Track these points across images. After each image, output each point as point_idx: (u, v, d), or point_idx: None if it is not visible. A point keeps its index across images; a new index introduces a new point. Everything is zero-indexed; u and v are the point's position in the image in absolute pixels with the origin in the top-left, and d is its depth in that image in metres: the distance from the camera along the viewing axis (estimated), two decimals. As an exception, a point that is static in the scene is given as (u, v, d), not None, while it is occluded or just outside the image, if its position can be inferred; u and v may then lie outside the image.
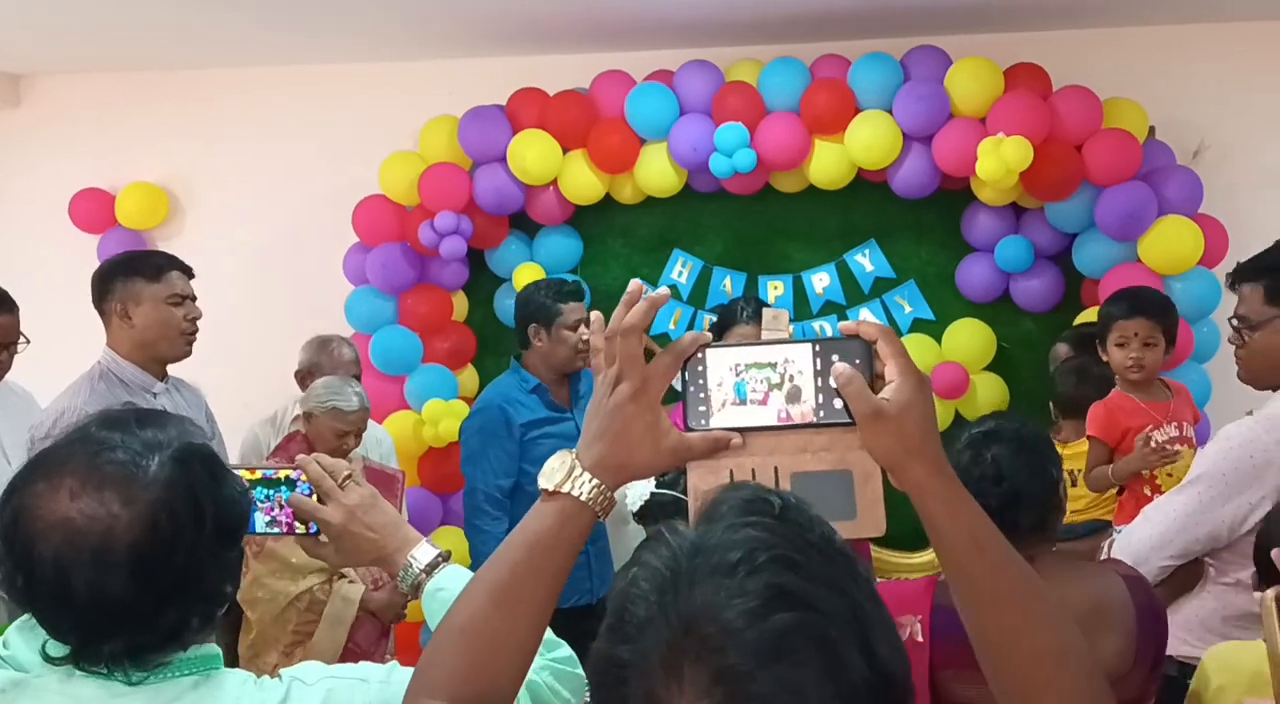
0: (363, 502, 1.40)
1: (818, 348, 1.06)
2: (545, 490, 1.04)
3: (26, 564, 1.15)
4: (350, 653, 3.34)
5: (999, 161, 3.75)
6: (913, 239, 4.39)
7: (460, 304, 4.62)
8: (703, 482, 1.06)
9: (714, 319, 4.51)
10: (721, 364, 1.07)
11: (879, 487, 1.05)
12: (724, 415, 1.06)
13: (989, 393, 4.22)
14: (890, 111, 4.01)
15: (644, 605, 0.76)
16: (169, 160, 5.00)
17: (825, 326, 4.44)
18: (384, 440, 3.93)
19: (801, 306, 4.43)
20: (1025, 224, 4.16)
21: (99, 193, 4.95)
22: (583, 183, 4.32)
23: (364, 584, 3.37)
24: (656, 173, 4.27)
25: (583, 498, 1.03)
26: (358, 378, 3.79)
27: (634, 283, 1.07)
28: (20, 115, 5.11)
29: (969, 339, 4.19)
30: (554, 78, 4.41)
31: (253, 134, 4.91)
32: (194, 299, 2.94)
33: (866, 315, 4.42)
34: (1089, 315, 4.00)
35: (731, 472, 1.06)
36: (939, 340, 4.27)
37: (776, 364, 1.06)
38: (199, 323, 2.96)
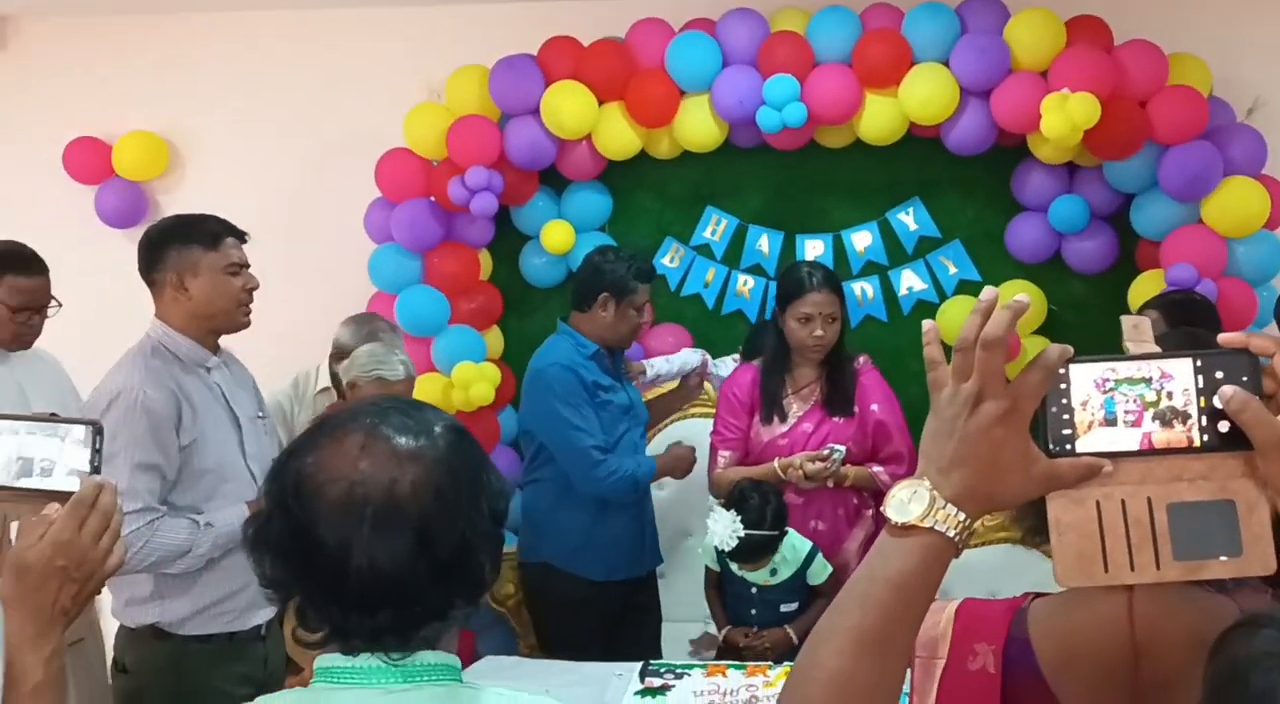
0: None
1: (1199, 363, 0.93)
2: (898, 524, 0.91)
3: (307, 527, 1.11)
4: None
5: (1065, 118, 3.61)
6: (959, 197, 4.26)
7: (485, 262, 4.44)
8: (1066, 513, 0.93)
9: (749, 283, 4.38)
10: (1086, 379, 0.94)
11: (1266, 518, 0.93)
12: (1091, 439, 0.93)
13: (1038, 357, 4.12)
14: (947, 64, 3.85)
15: None
16: (169, 108, 4.73)
17: (867, 288, 4.32)
18: (423, 406, 3.76)
19: (841, 266, 4.28)
20: (1080, 183, 4.03)
21: (95, 142, 4.69)
22: (618, 137, 4.13)
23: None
24: (697, 126, 4.09)
25: (949, 534, 0.89)
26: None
27: (988, 290, 0.94)
28: (7, 59, 4.81)
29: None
30: (587, 26, 4.20)
31: (260, 83, 4.65)
32: (249, 267, 2.75)
33: (909, 276, 4.30)
34: (1146, 279, 3.91)
35: (1098, 503, 0.93)
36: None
37: (1151, 380, 0.93)
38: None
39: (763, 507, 3.14)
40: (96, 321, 4.53)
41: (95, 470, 1.22)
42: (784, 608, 3.21)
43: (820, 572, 3.22)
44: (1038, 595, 1.50)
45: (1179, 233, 3.81)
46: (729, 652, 3.24)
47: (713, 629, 3.48)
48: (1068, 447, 0.93)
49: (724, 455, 3.43)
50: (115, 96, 4.74)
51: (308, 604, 1.17)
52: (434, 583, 1.14)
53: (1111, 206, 4.02)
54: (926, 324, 0.96)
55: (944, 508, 0.90)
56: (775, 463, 3.30)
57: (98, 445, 1.23)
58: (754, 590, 3.23)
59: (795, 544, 3.23)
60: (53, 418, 1.27)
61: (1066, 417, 0.93)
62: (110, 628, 2.98)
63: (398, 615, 1.14)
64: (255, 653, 2.79)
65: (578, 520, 3.41)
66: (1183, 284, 3.67)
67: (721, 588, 3.34)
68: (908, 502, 0.91)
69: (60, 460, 1.23)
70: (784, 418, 3.37)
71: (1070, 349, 0.93)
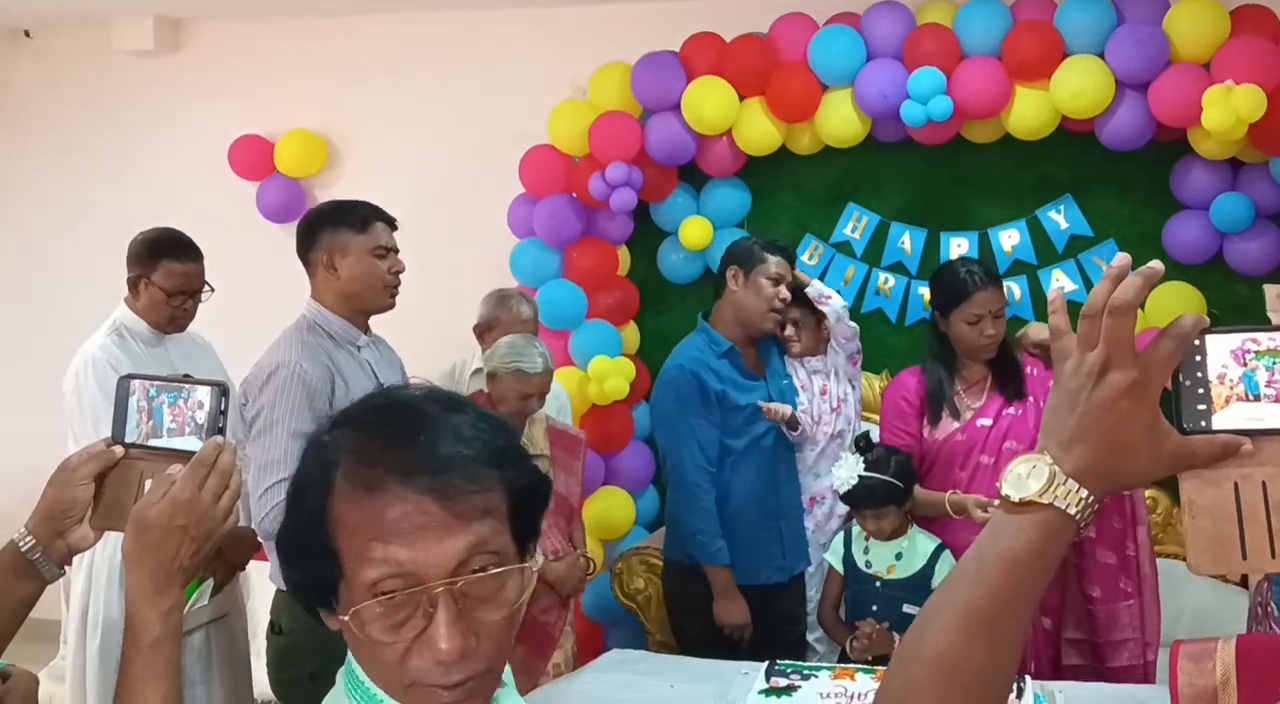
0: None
1: None
2: (1014, 501, 0.86)
3: None
4: (528, 625, 3.23)
5: (1229, 111, 3.43)
6: (1114, 195, 4.09)
7: (623, 258, 4.47)
8: (1200, 495, 0.88)
9: (890, 281, 4.29)
10: (1223, 351, 0.88)
11: None
12: (1229, 414, 0.88)
13: (1197, 363, 3.92)
14: (1102, 56, 3.71)
15: None
16: (328, 108, 4.93)
17: (1014, 288, 4.18)
18: (560, 395, 3.81)
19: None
20: (1243, 180, 3.83)
21: (258, 140, 4.90)
22: (758, 132, 4.11)
23: (543, 554, 3.25)
24: (839, 121, 4.03)
25: (1070, 511, 0.84)
26: (534, 335, 3.67)
27: (1121, 256, 0.89)
28: (180, 60, 5.08)
29: (1176, 304, 3.88)
30: (730, 22, 4.19)
31: (412, 82, 4.80)
32: (397, 251, 2.84)
33: (1059, 276, 4.15)
34: (1317, 280, 3.70)
35: (1236, 484, 0.87)
36: (1142, 305, 3.97)
37: None
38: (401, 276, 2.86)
39: (888, 456, 3.16)
40: (254, 312, 4.74)
41: (219, 431, 1.25)
42: (906, 608, 3.13)
43: (946, 571, 3.14)
44: None
45: (1353, 233, 3.58)
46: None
47: None
48: (1202, 423, 0.88)
49: None
50: (278, 96, 4.95)
51: None
52: None
53: (1278, 205, 3.80)
54: (1053, 292, 0.92)
55: (1065, 483, 0.84)
56: (946, 498, 3.18)
57: (223, 407, 1.26)
58: (877, 585, 3.17)
59: (923, 539, 3.17)
60: (185, 379, 1.31)
61: (1201, 391, 0.88)
62: (256, 598, 3.11)
63: None
64: None
65: None
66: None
67: (840, 601, 3.30)
68: (1026, 476, 0.86)
69: (187, 421, 1.27)
70: (957, 415, 3.20)
71: (1205, 319, 0.88)
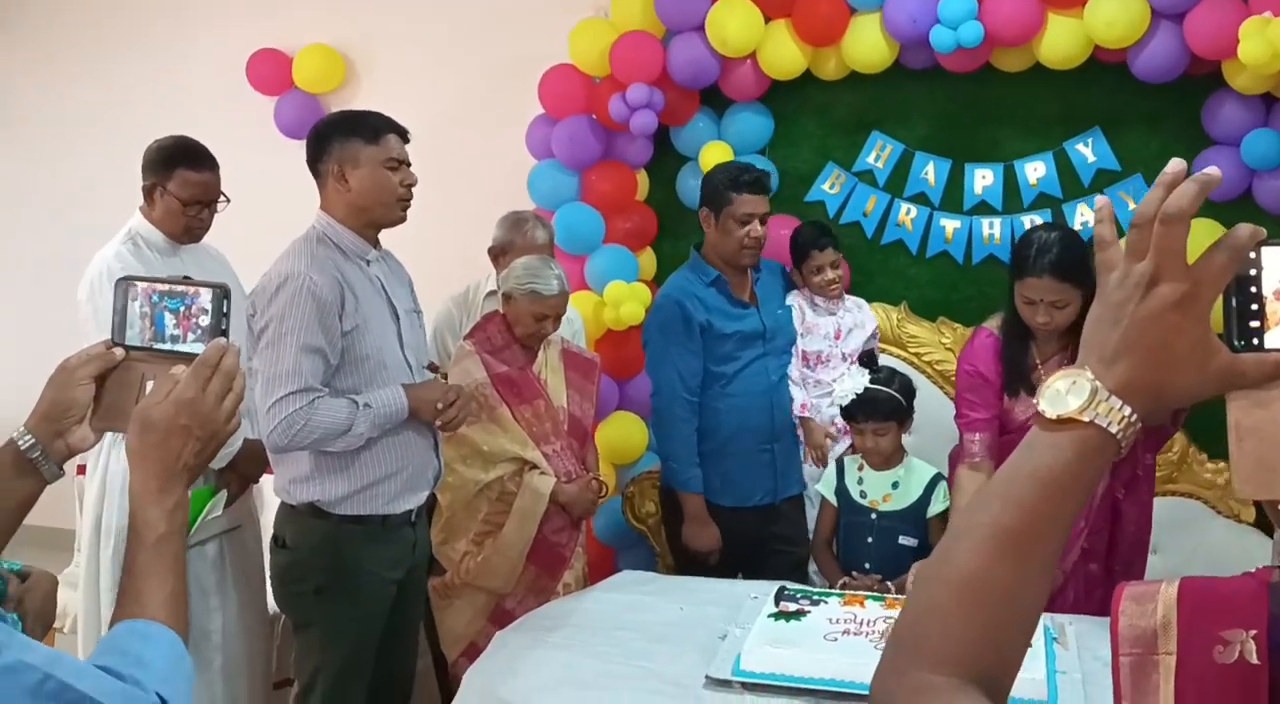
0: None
1: None
2: (1052, 417, 0.83)
3: None
4: (540, 546, 3.25)
5: (1265, 44, 3.34)
6: (1144, 128, 4.00)
7: (642, 182, 4.42)
8: (1247, 416, 0.85)
9: (912, 212, 4.23)
10: None
11: None
12: None
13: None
14: (1139, -16, 3.62)
15: None
16: (346, 22, 4.86)
17: (1038, 221, 4.11)
18: (574, 320, 3.79)
19: (1012, 199, 4.11)
20: (1277, 116, 3.75)
21: (276, 54, 4.84)
22: (783, 56, 4.03)
23: (555, 476, 3.26)
24: (866, 46, 3.95)
25: (1112, 429, 0.81)
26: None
27: (1175, 162, 0.85)
28: (196, -28, 4.99)
29: (1203, 242, 3.73)
30: (758, -61, 4.08)
31: (432, -1, 4.72)
32: (409, 164, 2.79)
33: (1084, 211, 4.09)
34: (1347, 220, 3.63)
35: None
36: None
37: None
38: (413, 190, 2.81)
39: (892, 374, 3.21)
40: (270, 227, 4.72)
41: (221, 333, 1.24)
42: (902, 540, 3.13)
43: (941, 500, 3.14)
44: None
45: (1388, 172, 3.51)
46: None
47: None
48: (1254, 341, 0.85)
49: (975, 440, 3.00)
50: (296, 9, 4.88)
51: None
52: None
53: (1312, 143, 3.72)
54: (1100, 200, 0.89)
55: (1107, 400, 0.81)
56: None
57: (225, 309, 1.24)
58: (873, 516, 3.17)
59: (920, 467, 3.17)
60: (186, 281, 1.29)
61: (1255, 307, 0.85)
62: (270, 511, 3.12)
63: None
64: (405, 538, 2.88)
65: (702, 446, 3.41)
66: (1389, 227, 3.40)
67: (835, 537, 3.30)
68: (1065, 392, 0.82)
69: (192, 328, 1.26)
70: (1033, 392, 3.06)
71: (1263, 230, 0.84)
